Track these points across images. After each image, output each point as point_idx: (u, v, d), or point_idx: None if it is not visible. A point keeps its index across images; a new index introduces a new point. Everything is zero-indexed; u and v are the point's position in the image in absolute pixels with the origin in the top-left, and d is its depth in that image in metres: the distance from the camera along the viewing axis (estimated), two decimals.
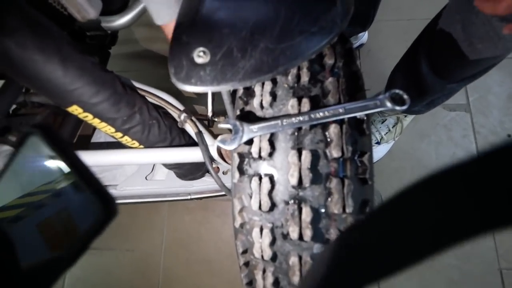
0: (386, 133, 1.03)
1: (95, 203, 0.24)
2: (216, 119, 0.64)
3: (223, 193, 0.80)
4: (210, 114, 0.63)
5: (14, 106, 0.72)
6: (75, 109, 0.53)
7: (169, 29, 0.50)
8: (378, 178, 1.12)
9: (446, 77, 0.75)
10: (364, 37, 1.20)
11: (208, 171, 0.82)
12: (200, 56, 0.36)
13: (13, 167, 0.26)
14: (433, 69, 0.75)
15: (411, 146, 1.11)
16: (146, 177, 0.81)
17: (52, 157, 0.24)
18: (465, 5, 0.58)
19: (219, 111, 0.66)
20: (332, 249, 0.18)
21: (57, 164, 0.26)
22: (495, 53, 0.61)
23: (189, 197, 0.82)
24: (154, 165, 0.83)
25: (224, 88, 0.36)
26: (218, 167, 0.81)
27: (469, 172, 0.13)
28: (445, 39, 0.67)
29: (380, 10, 0.98)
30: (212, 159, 0.63)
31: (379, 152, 1.07)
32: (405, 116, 1.02)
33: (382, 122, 1.04)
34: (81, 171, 0.24)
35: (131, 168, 0.82)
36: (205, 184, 0.82)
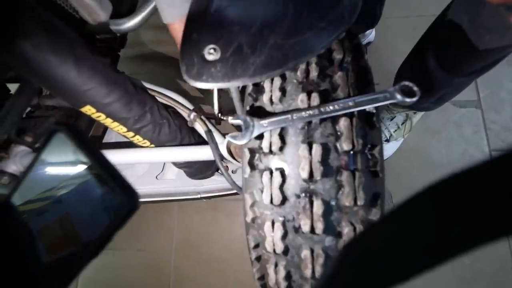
0: (395, 130, 1.03)
1: (118, 195, 0.25)
2: (223, 118, 0.64)
3: (233, 191, 0.80)
4: (216, 111, 0.63)
5: (28, 109, 0.74)
6: (88, 109, 0.54)
7: (173, 29, 0.51)
8: (387, 176, 1.10)
9: (454, 71, 0.74)
10: (371, 35, 1.20)
11: (218, 170, 0.82)
12: (211, 53, 0.37)
13: (35, 169, 0.27)
14: (441, 64, 0.74)
15: (421, 143, 1.10)
16: (156, 177, 0.82)
17: (76, 153, 0.25)
18: None
19: (229, 110, 0.66)
20: (341, 256, 0.18)
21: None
22: (503, 43, 0.60)
23: (199, 196, 0.83)
24: (164, 164, 0.84)
25: (235, 84, 0.37)
26: (227, 166, 0.82)
27: (482, 176, 0.13)
28: (452, 33, 0.66)
29: (388, 7, 0.98)
30: (222, 157, 0.64)
31: (388, 149, 1.06)
32: (414, 113, 1.01)
33: (391, 119, 1.03)
34: (105, 165, 0.25)
35: (141, 168, 0.83)
36: (215, 183, 0.82)
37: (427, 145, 1.10)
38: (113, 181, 0.25)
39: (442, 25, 0.71)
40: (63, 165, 0.27)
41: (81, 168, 0.26)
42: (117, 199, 0.25)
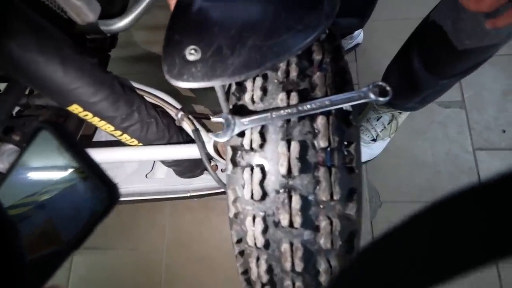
0: (382, 130, 1.05)
1: (99, 189, 0.26)
2: (211, 116, 0.66)
3: (222, 190, 0.82)
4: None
5: (17, 108, 0.75)
6: (75, 108, 0.55)
7: None
8: (374, 175, 1.14)
9: (437, 72, 0.76)
10: (359, 37, 1.22)
11: (205, 168, 0.84)
12: (192, 53, 0.38)
13: (19, 167, 0.28)
14: (425, 65, 0.77)
15: (407, 143, 1.13)
16: (146, 175, 0.83)
17: (59, 150, 0.26)
18: (455, 1, 0.60)
19: (218, 111, 0.68)
20: (335, 278, 0.18)
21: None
22: (483, 48, 0.63)
23: (188, 194, 0.84)
24: (154, 163, 0.85)
25: (215, 84, 0.38)
26: (216, 166, 0.83)
27: (474, 197, 0.13)
28: (436, 35, 0.68)
29: (375, 9, 1.00)
30: (209, 156, 0.65)
31: (375, 149, 1.08)
32: (400, 113, 1.04)
33: (377, 120, 1.05)
34: (87, 160, 0.26)
35: (131, 167, 0.84)
36: (204, 181, 0.84)
37: (413, 145, 1.12)
38: (95, 176, 0.26)
39: (427, 27, 0.74)
40: (46, 169, 0.28)
41: (64, 170, 0.27)
42: (98, 193, 0.26)
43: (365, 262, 0.17)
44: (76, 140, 0.27)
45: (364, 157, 1.08)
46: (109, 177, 0.26)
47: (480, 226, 0.13)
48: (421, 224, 0.15)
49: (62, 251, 0.27)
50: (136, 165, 0.84)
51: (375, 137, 1.06)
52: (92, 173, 0.26)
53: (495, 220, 0.12)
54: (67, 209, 0.28)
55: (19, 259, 0.28)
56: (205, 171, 0.84)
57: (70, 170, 0.27)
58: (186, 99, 1.25)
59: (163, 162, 0.78)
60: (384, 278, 0.15)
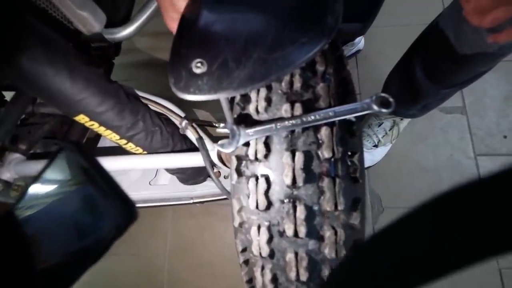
0: (383, 136, 1.06)
1: (116, 208, 0.27)
2: (216, 125, 0.66)
3: (225, 196, 0.82)
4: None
5: (23, 116, 0.76)
6: (82, 118, 0.56)
7: None
8: (376, 180, 1.14)
9: (439, 82, 0.77)
10: (361, 43, 1.23)
11: (209, 176, 0.84)
12: (198, 66, 0.39)
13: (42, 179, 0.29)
14: (427, 74, 0.77)
15: (408, 148, 1.13)
16: (149, 182, 0.84)
17: (81, 167, 0.27)
18: (458, 13, 0.60)
19: (222, 118, 0.69)
20: (335, 269, 0.19)
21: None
22: (484, 59, 0.63)
23: (191, 201, 0.85)
24: (157, 170, 0.86)
25: (220, 96, 0.39)
26: (219, 172, 0.83)
27: (472, 196, 0.13)
28: (438, 45, 0.69)
29: (377, 16, 1.01)
30: (212, 164, 0.66)
31: (377, 155, 1.09)
32: (401, 119, 1.04)
33: (379, 126, 1.06)
34: (106, 179, 0.27)
35: (135, 174, 0.84)
36: (207, 188, 0.84)
37: (414, 150, 1.13)
38: (115, 194, 0.27)
39: (430, 37, 0.74)
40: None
41: (81, 188, 0.28)
42: (116, 212, 0.27)
43: (367, 255, 0.17)
44: (97, 161, 0.27)
45: (366, 163, 1.08)
46: (127, 197, 0.27)
47: (478, 221, 0.13)
48: (421, 219, 0.15)
49: (79, 262, 0.28)
50: (139, 172, 0.85)
51: (376, 143, 1.06)
52: (112, 191, 0.27)
53: (493, 215, 0.12)
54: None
55: (32, 268, 0.29)
56: (208, 178, 0.85)
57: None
58: (188, 105, 1.26)
59: (167, 169, 0.79)
60: (381, 272, 0.15)
